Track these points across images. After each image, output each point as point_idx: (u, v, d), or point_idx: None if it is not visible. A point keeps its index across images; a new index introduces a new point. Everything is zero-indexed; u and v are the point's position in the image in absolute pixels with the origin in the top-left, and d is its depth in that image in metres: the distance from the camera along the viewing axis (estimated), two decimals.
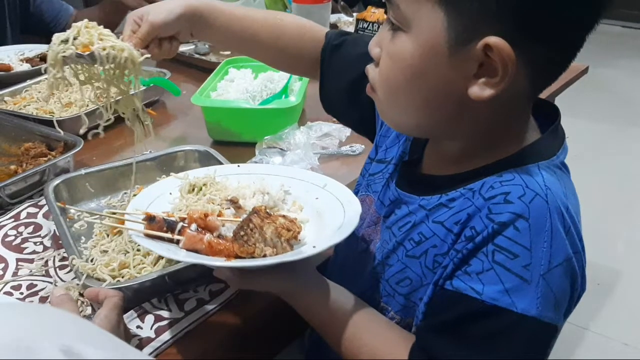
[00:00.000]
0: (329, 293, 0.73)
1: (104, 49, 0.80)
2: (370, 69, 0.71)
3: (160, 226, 0.74)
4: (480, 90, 0.61)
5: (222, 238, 0.74)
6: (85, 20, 0.84)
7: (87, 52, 0.81)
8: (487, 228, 0.61)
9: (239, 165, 0.93)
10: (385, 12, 1.61)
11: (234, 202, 0.82)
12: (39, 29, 2.02)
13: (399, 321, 0.73)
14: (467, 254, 0.62)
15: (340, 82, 0.91)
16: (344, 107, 0.94)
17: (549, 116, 0.71)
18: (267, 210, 0.76)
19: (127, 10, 1.89)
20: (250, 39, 0.92)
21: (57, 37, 0.83)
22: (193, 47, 1.90)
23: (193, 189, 0.88)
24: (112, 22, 1.95)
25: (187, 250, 0.73)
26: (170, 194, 0.87)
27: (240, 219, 0.75)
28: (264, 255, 0.70)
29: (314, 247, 0.71)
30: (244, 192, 0.84)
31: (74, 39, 0.81)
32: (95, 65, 0.82)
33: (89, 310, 0.81)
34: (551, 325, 0.60)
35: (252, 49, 0.96)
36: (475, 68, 0.60)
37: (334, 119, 1.33)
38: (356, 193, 0.87)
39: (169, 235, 0.73)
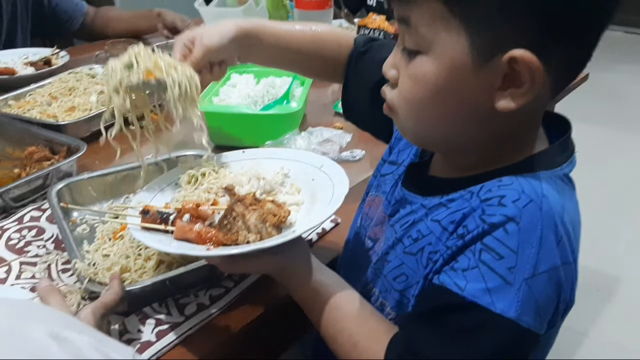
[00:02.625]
0: (316, 275, 0.75)
1: (168, 74, 0.79)
2: (387, 91, 0.71)
3: (154, 219, 0.79)
4: (507, 102, 0.62)
5: (213, 227, 0.76)
6: (141, 44, 0.84)
7: (154, 79, 0.80)
8: (478, 227, 0.62)
9: (243, 151, 0.95)
10: (387, 19, 1.62)
11: (229, 190, 0.85)
12: (53, 29, 2.03)
13: (394, 317, 0.74)
14: (456, 250, 0.63)
15: (363, 86, 0.92)
16: (364, 111, 0.95)
17: (559, 128, 0.72)
18: (257, 196, 0.79)
19: (158, 20, 1.94)
20: (295, 54, 0.94)
21: (116, 63, 0.81)
22: None
23: (191, 180, 0.90)
24: (140, 27, 2.00)
25: (179, 240, 0.76)
26: (176, 184, 0.90)
27: None
28: (248, 242, 0.73)
29: (293, 231, 0.74)
30: (240, 179, 0.86)
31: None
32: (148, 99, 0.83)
33: None
34: (529, 332, 0.60)
35: (295, 64, 0.98)
36: (500, 80, 0.61)
37: (335, 125, 1.35)
38: (367, 193, 0.90)
39: (162, 226, 0.77)
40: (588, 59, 0.65)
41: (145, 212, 0.79)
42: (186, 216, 0.77)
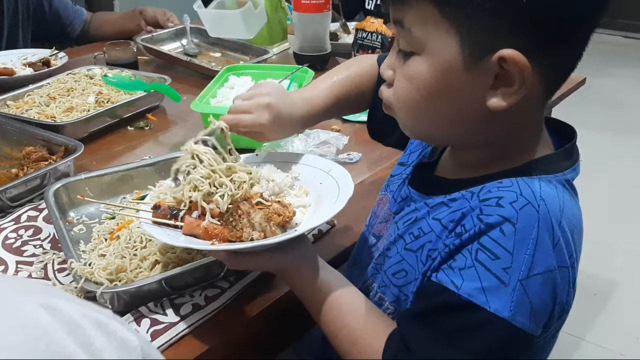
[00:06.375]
0: (319, 273, 0.76)
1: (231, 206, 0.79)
2: (384, 90, 0.73)
3: (165, 214, 0.81)
4: (499, 100, 0.63)
5: (220, 224, 0.78)
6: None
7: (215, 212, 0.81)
8: (475, 227, 0.63)
9: (257, 154, 0.96)
10: (384, 23, 1.63)
11: None
12: (54, 35, 2.05)
13: (392, 312, 0.75)
14: (454, 249, 0.64)
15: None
16: (387, 126, 0.95)
17: (567, 137, 0.73)
18: (264, 196, 0.81)
19: (140, 18, 1.99)
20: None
21: (194, 179, 0.81)
22: (181, 48, 1.92)
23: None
24: (128, 28, 2.04)
25: (187, 235, 0.79)
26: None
27: None
28: (252, 239, 0.75)
29: (295, 230, 0.76)
30: None
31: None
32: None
33: None
34: (523, 332, 0.61)
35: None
36: (492, 80, 0.63)
37: (332, 127, 1.35)
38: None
39: (172, 222, 0.80)
40: (578, 58, 0.66)
41: (156, 207, 0.82)
42: (195, 213, 0.80)
